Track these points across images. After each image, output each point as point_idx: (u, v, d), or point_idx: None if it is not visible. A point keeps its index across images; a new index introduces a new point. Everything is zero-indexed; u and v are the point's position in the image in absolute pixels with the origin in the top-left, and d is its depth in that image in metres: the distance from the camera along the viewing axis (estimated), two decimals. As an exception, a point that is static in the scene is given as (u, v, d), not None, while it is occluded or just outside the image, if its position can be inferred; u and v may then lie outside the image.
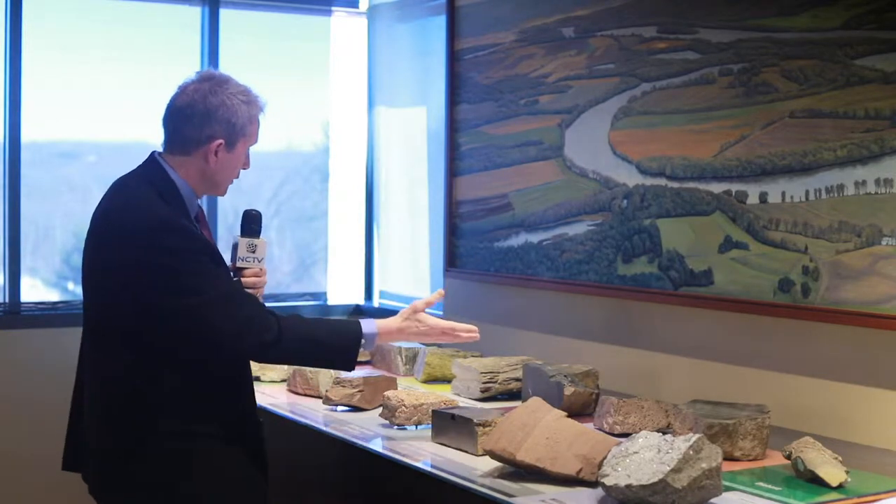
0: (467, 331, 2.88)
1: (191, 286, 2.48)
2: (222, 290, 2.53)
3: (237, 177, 2.74)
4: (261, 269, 2.82)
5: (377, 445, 2.94)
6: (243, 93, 2.64)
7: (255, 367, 3.91)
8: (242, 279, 2.79)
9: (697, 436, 2.35)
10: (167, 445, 2.54)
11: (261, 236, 2.82)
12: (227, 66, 4.80)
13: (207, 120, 2.59)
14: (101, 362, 2.61)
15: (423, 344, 4.12)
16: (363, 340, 2.70)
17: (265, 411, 3.46)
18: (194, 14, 4.82)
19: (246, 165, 2.72)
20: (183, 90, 2.63)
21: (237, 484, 2.63)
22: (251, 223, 2.82)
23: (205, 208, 4.53)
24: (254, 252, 2.79)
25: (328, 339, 2.66)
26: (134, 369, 2.54)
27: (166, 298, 2.48)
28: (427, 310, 2.86)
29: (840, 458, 2.62)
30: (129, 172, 2.67)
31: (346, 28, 5.24)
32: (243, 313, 2.54)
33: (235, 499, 2.63)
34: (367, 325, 2.73)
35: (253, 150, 2.74)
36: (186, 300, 2.48)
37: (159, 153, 2.66)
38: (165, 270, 2.47)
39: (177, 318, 2.49)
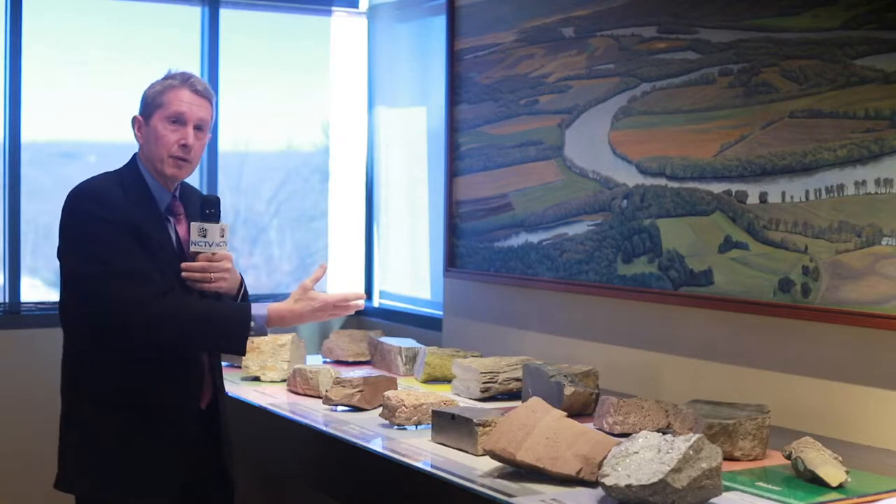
0: (356, 297, 2.91)
1: (100, 254, 2.62)
2: (127, 265, 2.63)
3: (176, 152, 2.77)
4: (213, 255, 2.77)
5: (377, 445, 2.95)
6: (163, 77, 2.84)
7: (256, 367, 3.93)
8: (194, 264, 2.76)
9: (697, 436, 2.35)
10: (95, 414, 2.69)
11: (220, 220, 2.80)
12: (227, 66, 4.80)
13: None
14: (64, 335, 2.79)
15: (421, 344, 4.12)
16: (252, 323, 2.73)
17: (265, 411, 3.47)
18: (194, 14, 4.82)
19: (184, 139, 2.76)
20: None
21: (155, 462, 2.73)
22: (205, 207, 2.81)
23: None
24: (204, 237, 2.76)
25: (222, 320, 2.71)
26: (73, 339, 2.74)
27: (79, 263, 2.65)
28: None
29: (840, 458, 2.62)
30: None
31: (346, 28, 5.24)
32: (142, 288, 2.62)
33: (150, 476, 2.73)
34: (258, 308, 2.77)
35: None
36: (93, 267, 2.62)
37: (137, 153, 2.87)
38: (82, 236, 2.65)
39: (84, 284, 2.64)
